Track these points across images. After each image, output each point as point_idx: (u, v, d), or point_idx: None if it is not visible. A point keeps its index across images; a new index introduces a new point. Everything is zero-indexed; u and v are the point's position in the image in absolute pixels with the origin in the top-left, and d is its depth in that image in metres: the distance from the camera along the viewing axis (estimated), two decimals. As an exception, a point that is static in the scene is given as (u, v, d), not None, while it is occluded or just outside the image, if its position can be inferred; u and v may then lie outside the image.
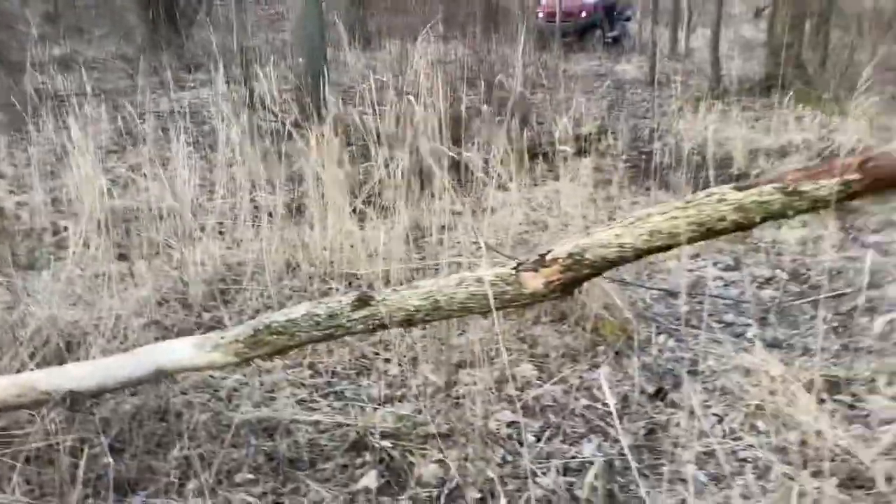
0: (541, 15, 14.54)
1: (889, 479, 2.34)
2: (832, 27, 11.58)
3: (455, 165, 5.22)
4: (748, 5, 19.19)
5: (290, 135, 4.91)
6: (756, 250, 4.58)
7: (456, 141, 5.42)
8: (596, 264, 1.93)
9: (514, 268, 2.03)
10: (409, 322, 2.20)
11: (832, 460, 2.44)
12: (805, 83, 9.60)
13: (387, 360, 3.19)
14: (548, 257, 1.97)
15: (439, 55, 8.31)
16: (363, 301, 2.14)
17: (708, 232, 1.86)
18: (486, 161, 5.45)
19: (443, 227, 4.12)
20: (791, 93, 9.45)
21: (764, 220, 1.82)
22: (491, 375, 2.93)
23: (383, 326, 2.19)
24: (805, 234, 4.77)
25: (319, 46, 7.68)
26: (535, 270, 1.98)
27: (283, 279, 3.94)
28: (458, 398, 2.84)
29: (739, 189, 1.81)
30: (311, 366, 3.14)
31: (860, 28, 12.72)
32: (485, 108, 6.48)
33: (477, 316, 2.86)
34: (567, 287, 1.99)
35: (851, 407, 2.80)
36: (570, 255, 1.93)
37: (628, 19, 16.17)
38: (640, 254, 1.93)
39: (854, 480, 2.39)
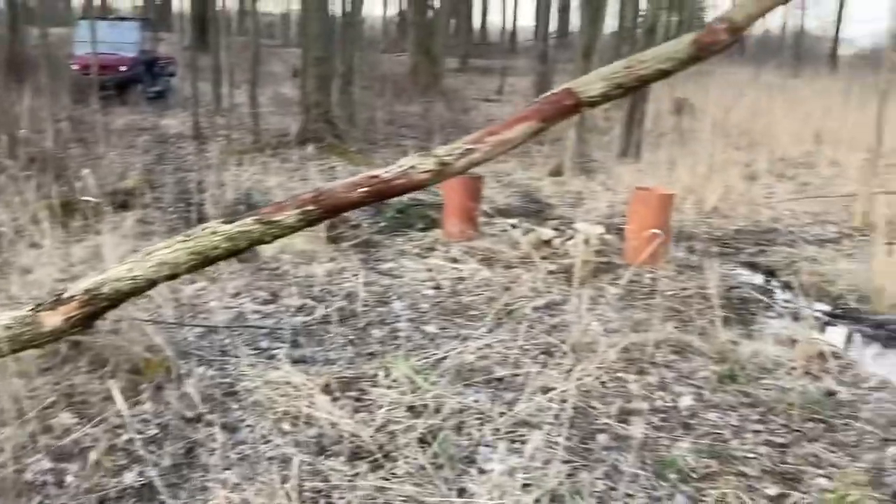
0: (76, 67, 13.88)
1: (381, 447, 2.95)
2: (357, 88, 13.23)
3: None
4: (287, 66, 20.74)
5: None
6: (290, 285, 5.14)
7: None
8: (112, 297, 2.14)
9: (32, 309, 2.13)
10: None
11: (339, 443, 2.98)
12: (335, 137, 10.83)
13: None
14: (65, 296, 2.12)
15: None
16: None
17: (206, 260, 2.21)
18: (14, 219, 5.19)
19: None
20: (323, 145, 10.59)
21: (249, 246, 2.24)
22: (24, 429, 2.90)
23: None
24: (332, 267, 5.51)
25: None
26: (54, 309, 2.11)
27: None
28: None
29: (227, 222, 2.20)
30: None
31: (380, 89, 14.73)
32: (9, 163, 6.09)
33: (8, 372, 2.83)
34: (87, 320, 2.15)
35: (358, 399, 3.40)
36: (88, 291, 2.11)
37: (172, 75, 16.29)
38: (151, 283, 2.19)
39: (358, 455, 2.95)
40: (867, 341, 4.89)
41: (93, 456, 2.85)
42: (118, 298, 2.20)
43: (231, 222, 2.23)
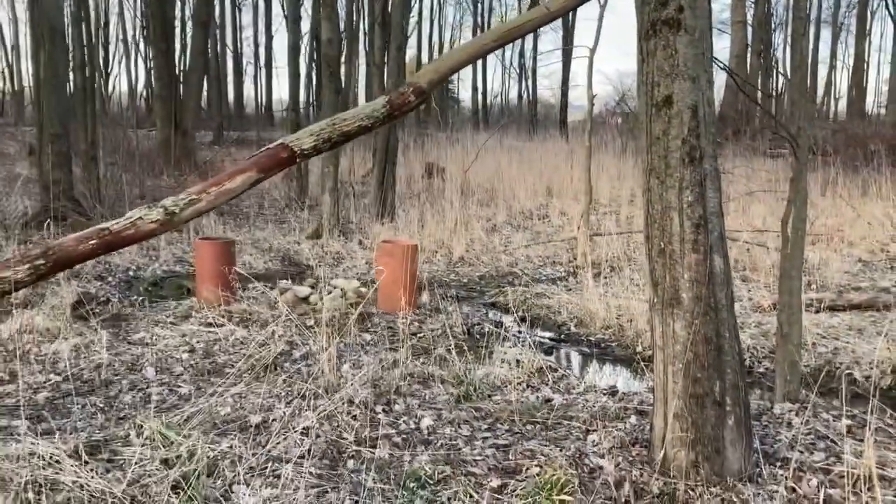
0: None
1: (132, 499, 3.01)
2: (102, 164, 12.72)
3: None
4: (23, 144, 19.34)
5: None
6: (31, 363, 4.91)
7: None
8: None
9: None
10: None
11: (87, 503, 2.99)
12: (80, 214, 10.34)
13: None
14: None
15: None
16: None
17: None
18: None
19: None
20: (67, 224, 10.08)
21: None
22: None
23: None
24: (78, 342, 5.34)
25: None
26: None
27: None
28: None
29: (-52, 283, 2.24)
30: None
31: (128, 164, 14.24)
32: None
33: None
34: None
35: (110, 461, 3.40)
36: None
37: None
38: None
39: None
40: (582, 357, 5.66)
41: None
42: None
43: (-48, 283, 2.26)
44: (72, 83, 12.71)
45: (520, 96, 43.24)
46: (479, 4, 43.04)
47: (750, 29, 26.22)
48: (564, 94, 36.01)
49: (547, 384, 4.58)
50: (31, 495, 3.08)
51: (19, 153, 18.72)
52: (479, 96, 43.04)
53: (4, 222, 9.80)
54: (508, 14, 41.30)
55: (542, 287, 7.50)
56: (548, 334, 6.24)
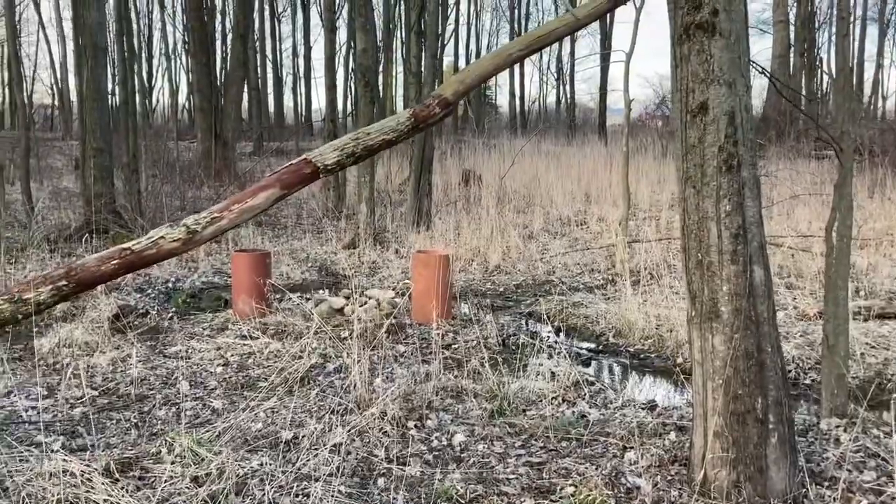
0: None
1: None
2: (143, 176, 12.93)
3: None
4: (69, 158, 19.80)
5: None
6: (70, 378, 4.96)
7: None
8: None
9: None
10: None
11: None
12: (121, 227, 10.50)
13: None
14: None
15: None
16: None
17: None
18: None
19: None
20: (109, 236, 10.24)
21: (1, 325, 2.28)
22: None
23: None
24: (115, 355, 5.38)
25: None
26: None
27: None
28: None
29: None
30: None
31: (169, 176, 14.46)
32: None
33: None
34: None
35: (141, 478, 3.40)
36: None
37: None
38: None
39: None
40: (620, 369, 5.53)
41: None
42: None
43: (-24, 304, 2.26)
44: (116, 97, 12.96)
45: (557, 101, 43.01)
46: (516, 10, 42.95)
47: (793, 28, 25.67)
48: (602, 98, 35.71)
49: (583, 398, 4.47)
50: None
51: (66, 167, 19.16)
52: (517, 102, 42.92)
53: (49, 236, 9.99)
54: (545, 20, 41.10)
55: (580, 296, 7.37)
56: (585, 345, 6.12)
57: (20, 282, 2.33)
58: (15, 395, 4.60)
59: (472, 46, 43.71)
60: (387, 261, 9.44)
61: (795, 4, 26.49)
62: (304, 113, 39.30)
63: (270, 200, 2.52)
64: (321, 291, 7.54)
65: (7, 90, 19.30)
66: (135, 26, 12.47)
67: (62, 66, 30.67)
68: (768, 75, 4.54)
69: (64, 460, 3.40)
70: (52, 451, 3.71)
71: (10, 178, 13.49)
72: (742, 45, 3.13)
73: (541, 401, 4.42)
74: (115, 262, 2.41)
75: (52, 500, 3.15)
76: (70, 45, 31.39)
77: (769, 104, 23.74)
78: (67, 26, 30.78)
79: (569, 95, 40.42)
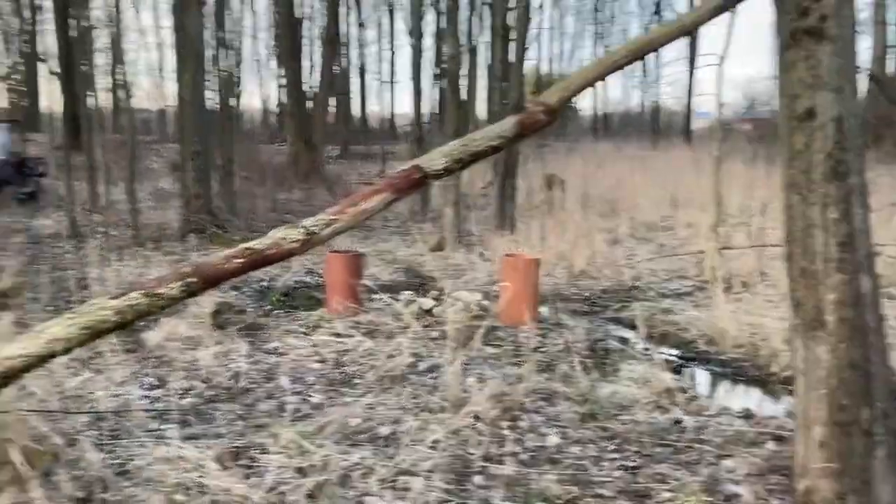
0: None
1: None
2: (237, 178, 13.45)
3: None
4: (165, 161, 20.68)
5: None
6: (177, 370, 5.23)
7: None
8: (5, 374, 2.30)
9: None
10: None
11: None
12: (217, 227, 10.95)
13: None
14: (-43, 378, 2.27)
15: None
16: None
17: (96, 334, 2.41)
18: None
19: None
20: (206, 236, 10.69)
21: (136, 318, 2.47)
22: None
23: None
24: (218, 350, 5.64)
25: None
26: (-55, 391, 2.25)
27: None
28: None
29: (114, 298, 2.42)
30: None
31: (261, 179, 14.98)
32: None
33: None
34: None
35: (249, 467, 3.58)
36: (-23, 373, 2.27)
37: (42, 175, 15.95)
38: (43, 359, 2.37)
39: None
40: (712, 377, 5.46)
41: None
42: (11, 376, 2.36)
43: (118, 297, 2.45)
44: (213, 103, 13.51)
45: (641, 104, 42.35)
46: (600, 13, 42.52)
47: (892, 29, 24.58)
48: (689, 101, 34.97)
49: (676, 405, 4.44)
50: (180, 497, 3.29)
51: (163, 169, 20.03)
52: (599, 105, 42.48)
53: (152, 235, 10.50)
54: (630, 23, 40.55)
55: (669, 302, 7.28)
56: (675, 352, 6.06)
57: (151, 280, 2.51)
58: (129, 384, 4.90)
59: (556, 49, 43.53)
60: (472, 263, 9.53)
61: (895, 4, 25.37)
62: (388, 117, 39.89)
63: (382, 204, 2.64)
64: (408, 292, 7.68)
65: (112, 95, 20.42)
66: (228, 34, 13.01)
67: (160, 70, 32.12)
68: (876, 78, 4.41)
69: (179, 447, 3.62)
70: (167, 438, 3.94)
71: (114, 180, 14.18)
72: (851, 51, 3.08)
73: (633, 406, 4.42)
74: (239, 260, 2.57)
75: (170, 484, 3.35)
76: (167, 52, 32.70)
77: (867, 107, 22.79)
78: (164, 32, 32.11)
79: (653, 99, 39.75)
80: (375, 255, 9.99)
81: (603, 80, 3.10)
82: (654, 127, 35.49)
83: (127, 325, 2.48)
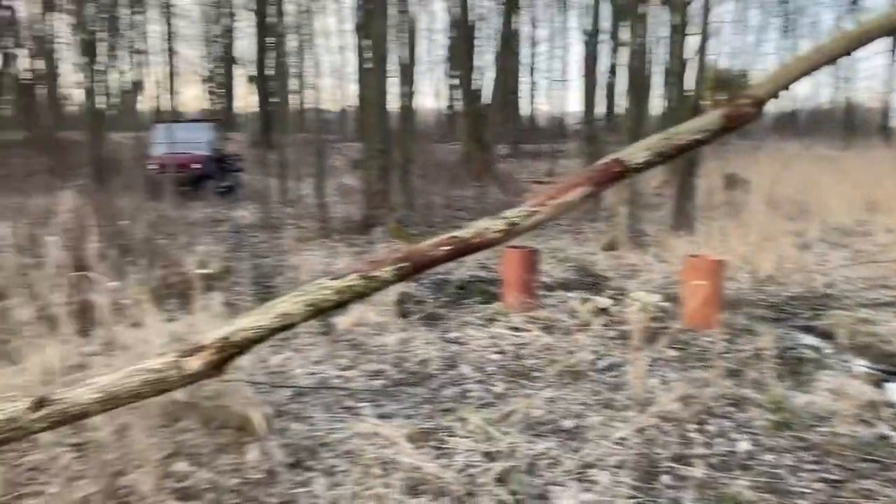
0: (153, 167, 14.98)
1: (463, 486, 3.27)
2: (414, 176, 13.93)
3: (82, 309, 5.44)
4: (346, 159, 21.77)
5: None
6: (366, 353, 5.53)
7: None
8: (241, 344, 2.56)
9: (177, 355, 2.57)
10: (85, 415, 2.57)
11: (425, 483, 3.31)
12: (397, 221, 11.41)
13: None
14: (203, 343, 2.55)
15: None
16: (41, 403, 2.48)
17: (318, 311, 2.63)
18: (115, 302, 5.74)
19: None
20: (386, 229, 11.18)
21: (353, 298, 2.66)
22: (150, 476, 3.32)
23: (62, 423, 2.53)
24: (402, 336, 5.90)
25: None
26: (193, 355, 2.54)
27: None
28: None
29: (335, 279, 2.63)
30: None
31: (436, 176, 15.43)
32: (110, 251, 6.74)
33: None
34: (220, 365, 2.58)
35: (438, 448, 3.74)
36: (222, 339, 2.54)
37: (239, 170, 17.32)
38: (272, 332, 2.62)
39: (443, 493, 3.27)
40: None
41: (211, 496, 3.24)
42: (246, 346, 2.63)
43: (338, 278, 2.66)
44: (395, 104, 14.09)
45: (832, 101, 39.40)
46: (787, 5, 39.96)
47: None
48: (887, 97, 32.12)
49: (882, 420, 4.14)
50: (377, 470, 3.49)
51: (345, 166, 21.10)
52: (785, 101, 39.93)
53: (337, 228, 11.11)
54: (821, 14, 37.82)
55: (867, 312, 6.77)
56: (878, 366, 5.62)
57: (369, 261, 2.70)
58: (325, 364, 5.24)
59: (738, 44, 41.44)
60: (647, 264, 9.31)
61: None
62: (557, 115, 39.70)
63: (581, 197, 2.68)
64: (580, 291, 7.64)
65: (300, 96, 21.90)
66: (407, 36, 13.55)
67: (340, 72, 33.84)
68: None
69: (374, 424, 3.84)
70: (362, 415, 4.19)
71: (302, 176, 15.14)
72: None
73: (831, 418, 4.17)
74: (446, 247, 2.71)
75: (368, 458, 3.57)
76: (349, 55, 34.25)
77: None
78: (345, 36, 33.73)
79: (846, 95, 36.87)
80: (547, 253, 9.99)
81: (815, 72, 2.95)
82: (848, 125, 32.91)
83: (345, 303, 2.68)
